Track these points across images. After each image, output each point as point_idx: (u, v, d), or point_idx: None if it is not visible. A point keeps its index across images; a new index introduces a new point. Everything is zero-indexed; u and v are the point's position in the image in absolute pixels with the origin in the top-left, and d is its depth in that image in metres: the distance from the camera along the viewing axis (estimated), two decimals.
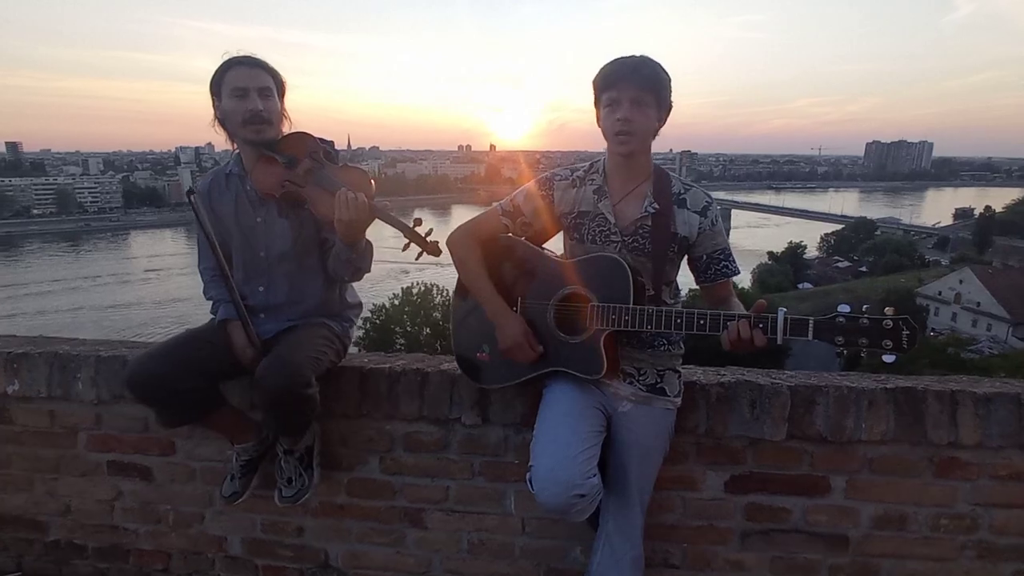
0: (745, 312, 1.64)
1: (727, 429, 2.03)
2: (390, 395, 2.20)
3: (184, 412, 1.95)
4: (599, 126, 1.81)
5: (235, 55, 1.95)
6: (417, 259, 1.91)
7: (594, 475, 1.69)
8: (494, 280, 1.92)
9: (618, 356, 1.82)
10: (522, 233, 1.94)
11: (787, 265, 63.51)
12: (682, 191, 1.84)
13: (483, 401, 2.13)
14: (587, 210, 1.86)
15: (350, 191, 1.83)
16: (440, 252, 1.88)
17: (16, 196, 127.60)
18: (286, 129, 2.07)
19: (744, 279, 53.52)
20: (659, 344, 1.86)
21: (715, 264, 1.86)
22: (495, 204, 1.97)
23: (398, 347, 31.51)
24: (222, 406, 2.03)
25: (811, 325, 1.58)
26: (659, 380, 1.87)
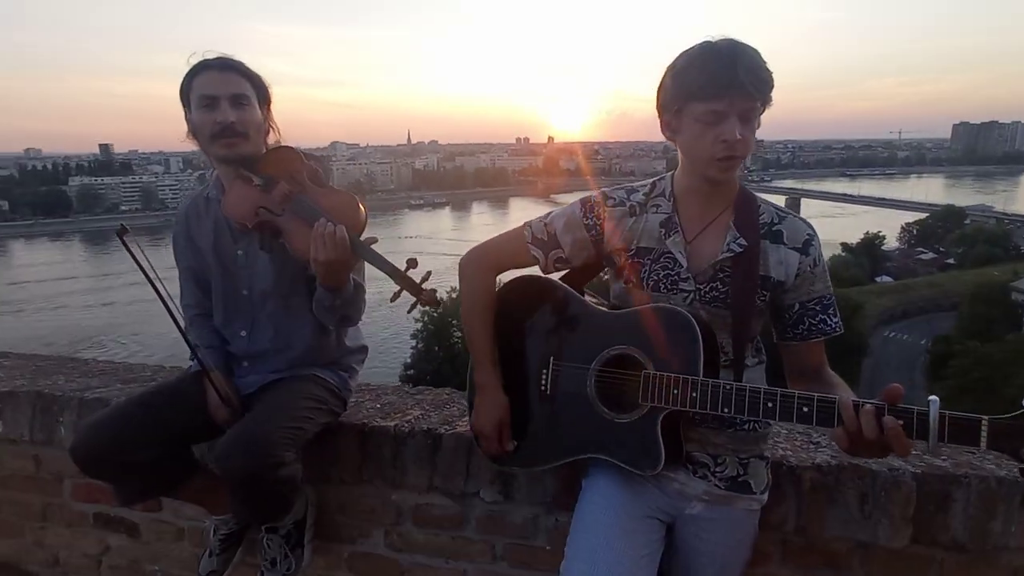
0: (872, 401, 1.13)
1: (825, 528, 1.54)
2: (395, 461, 1.82)
3: (145, 487, 1.63)
4: (668, 138, 1.35)
5: (205, 57, 1.59)
6: (410, 311, 1.51)
7: None
8: (515, 331, 1.49)
9: (684, 439, 1.36)
10: (554, 270, 1.50)
11: (863, 257, 59.64)
12: (775, 221, 1.36)
13: (505, 475, 1.72)
14: (650, 247, 1.39)
15: (330, 223, 1.44)
16: (439, 303, 1.47)
17: (107, 194, 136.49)
18: (275, 143, 1.72)
19: None
20: (744, 423, 1.39)
21: (810, 316, 1.37)
22: (525, 226, 1.51)
23: (455, 340, 31.37)
24: (194, 474, 1.70)
25: (984, 430, 1.03)
26: (742, 472, 1.39)
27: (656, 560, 1.34)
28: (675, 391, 1.25)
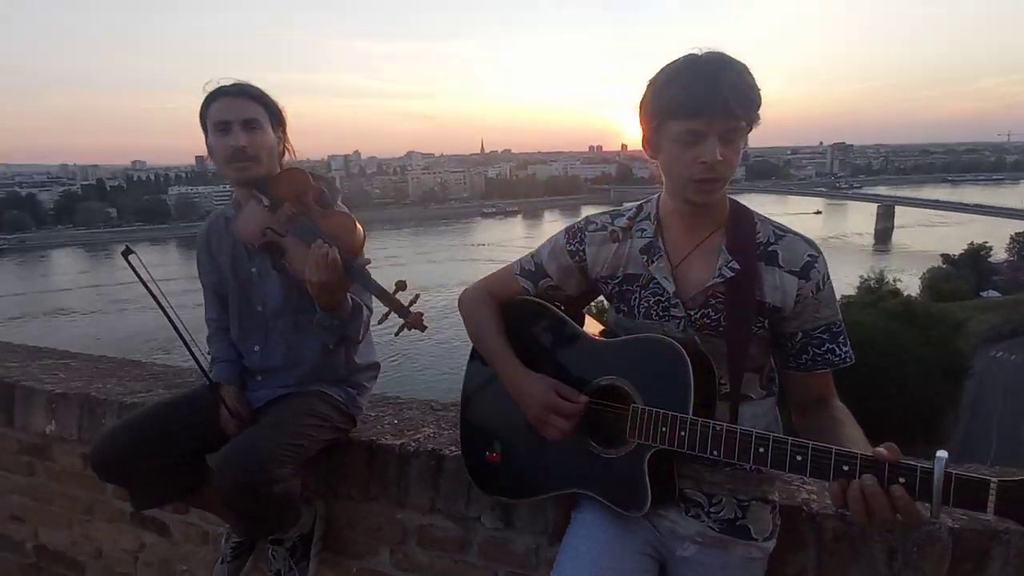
0: (874, 453, 1.00)
1: None
2: (400, 480, 1.81)
3: (159, 494, 1.70)
4: (650, 156, 1.27)
5: (220, 84, 1.65)
6: (397, 334, 1.49)
7: None
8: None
9: (678, 474, 1.27)
10: (550, 299, 1.45)
11: (967, 269, 55.11)
12: (771, 240, 1.26)
13: (506, 502, 1.67)
14: (637, 273, 1.33)
15: (326, 244, 1.46)
16: (425, 327, 1.46)
17: (201, 202, 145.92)
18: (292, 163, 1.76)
19: (912, 285, 47.16)
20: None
21: (815, 346, 1.26)
22: (510, 264, 1.49)
23: None
24: (205, 483, 1.75)
25: (993, 492, 0.90)
26: (740, 515, 1.28)
27: None
28: (663, 429, 1.18)
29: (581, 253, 1.37)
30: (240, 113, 1.62)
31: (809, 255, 1.24)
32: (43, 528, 2.58)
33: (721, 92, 1.11)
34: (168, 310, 1.49)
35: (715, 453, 1.12)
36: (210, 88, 1.64)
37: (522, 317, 1.44)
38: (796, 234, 1.27)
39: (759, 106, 1.17)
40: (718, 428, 1.12)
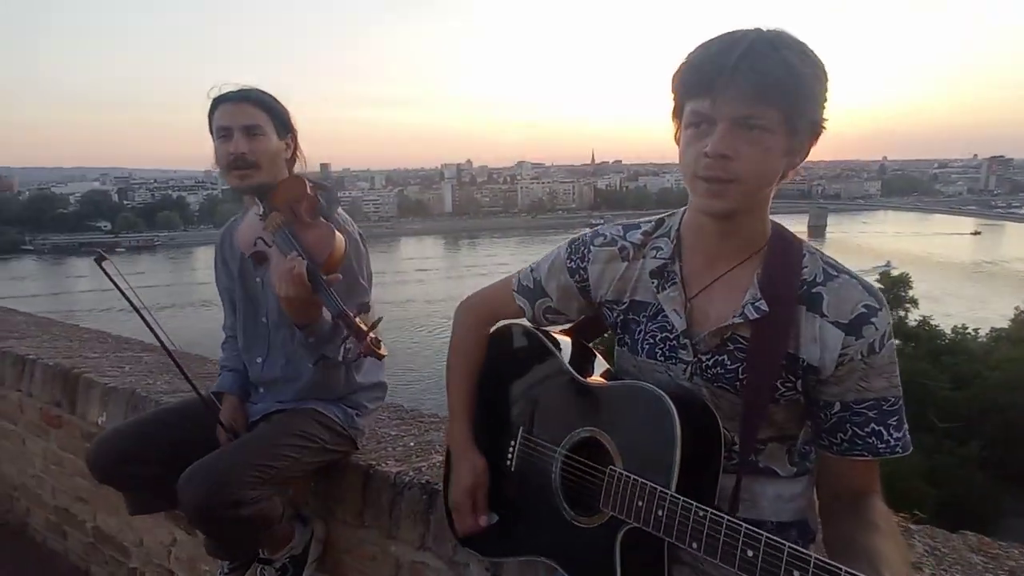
0: None
1: None
2: (392, 511, 1.70)
3: (151, 501, 1.69)
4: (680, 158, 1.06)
5: (224, 89, 1.63)
6: (343, 359, 1.38)
7: None
8: (492, 387, 1.30)
9: (671, 559, 1.03)
10: (550, 322, 1.27)
11: None
12: (819, 279, 1.00)
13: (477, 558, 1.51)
14: (646, 301, 1.11)
15: (300, 257, 1.38)
16: (382, 356, 1.34)
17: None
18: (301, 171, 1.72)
19: None
20: None
21: (856, 425, 0.99)
22: (517, 272, 1.31)
23: None
24: None
25: None
26: None
27: None
28: (639, 503, 0.96)
29: (582, 271, 1.17)
30: (241, 119, 1.59)
31: (865, 305, 0.96)
32: (100, 512, 2.71)
33: (729, 62, 0.88)
34: (148, 319, 1.47)
35: (694, 546, 0.89)
36: (214, 94, 1.62)
37: (508, 346, 1.29)
38: (854, 277, 0.99)
39: (809, 94, 0.92)
40: (701, 514, 0.89)
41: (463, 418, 1.29)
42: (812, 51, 0.93)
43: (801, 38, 0.93)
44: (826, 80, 0.94)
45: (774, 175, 0.96)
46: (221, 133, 1.60)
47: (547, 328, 1.29)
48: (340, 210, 1.69)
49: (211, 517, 1.41)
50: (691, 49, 0.96)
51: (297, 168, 1.75)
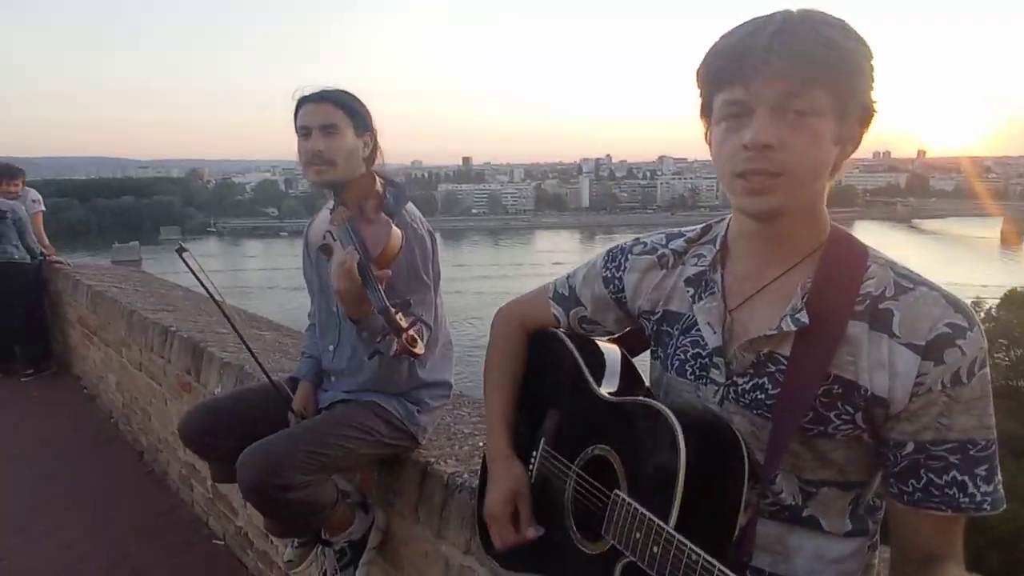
0: None
1: None
2: (443, 511, 1.69)
3: (231, 471, 1.81)
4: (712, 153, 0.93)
5: (306, 91, 1.70)
6: (371, 357, 1.38)
7: None
8: (525, 399, 1.24)
9: None
10: (587, 332, 1.19)
11: None
12: (889, 292, 0.84)
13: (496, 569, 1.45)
14: (680, 312, 1.00)
15: (354, 251, 1.40)
16: (417, 354, 1.32)
17: (463, 199, 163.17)
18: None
19: None
20: None
21: (933, 470, 0.82)
22: (551, 281, 1.24)
23: None
24: None
25: None
26: None
27: None
28: (638, 535, 0.86)
29: (618, 281, 1.09)
30: (319, 119, 1.65)
31: (949, 324, 0.79)
32: None
33: (760, 41, 0.77)
34: (224, 307, 1.57)
35: None
36: (298, 96, 1.69)
37: (543, 352, 1.22)
38: (936, 289, 0.82)
39: (859, 77, 0.79)
40: (693, 557, 0.77)
41: (499, 427, 1.23)
42: (853, 27, 0.79)
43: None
44: (872, 58, 0.80)
45: (825, 166, 0.82)
46: (302, 132, 1.68)
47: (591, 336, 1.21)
48: (411, 208, 1.71)
49: (262, 497, 1.49)
50: (720, 36, 0.84)
51: (377, 163, 1.79)
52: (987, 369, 0.81)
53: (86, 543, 2.90)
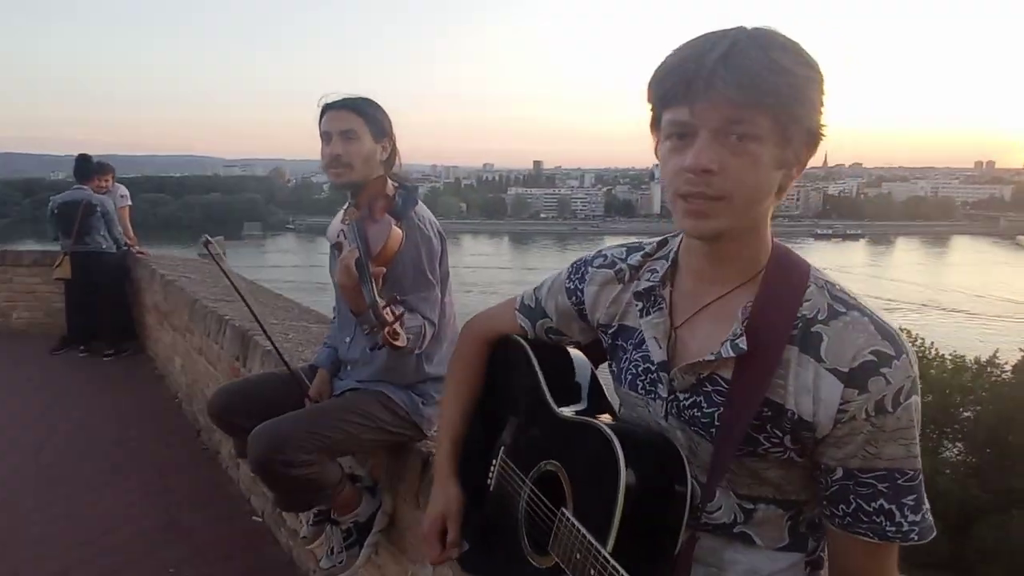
0: None
1: None
2: None
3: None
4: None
5: (330, 98, 1.83)
6: (377, 347, 1.46)
7: None
8: (487, 405, 1.27)
9: None
10: (554, 342, 1.21)
11: None
12: (821, 315, 0.84)
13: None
14: (631, 326, 1.03)
15: (354, 250, 1.51)
16: (397, 347, 1.42)
17: (532, 203, 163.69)
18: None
19: None
20: None
21: (861, 497, 0.82)
22: (519, 294, 1.26)
23: None
24: None
25: None
26: None
27: None
28: (578, 555, 0.88)
29: (579, 293, 1.10)
30: (339, 125, 1.77)
31: (874, 352, 0.79)
32: None
33: (712, 66, 0.76)
34: (248, 300, 1.72)
35: None
36: (322, 103, 1.82)
37: (508, 359, 1.24)
38: (867, 315, 0.82)
39: (804, 104, 0.79)
40: None
41: (446, 443, 1.27)
42: (806, 51, 0.79)
43: (794, 37, 0.80)
44: (823, 82, 0.80)
45: (766, 190, 0.83)
46: (323, 137, 1.80)
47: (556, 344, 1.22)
48: (420, 210, 1.80)
49: (267, 472, 1.62)
50: (668, 52, 0.85)
51: (396, 167, 1.89)
52: (915, 398, 0.80)
53: (144, 504, 3.20)
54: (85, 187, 5.65)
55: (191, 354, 4.29)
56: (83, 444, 3.95)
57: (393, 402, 1.82)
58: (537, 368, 1.16)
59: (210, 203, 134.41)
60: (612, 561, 0.81)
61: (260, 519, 3.09)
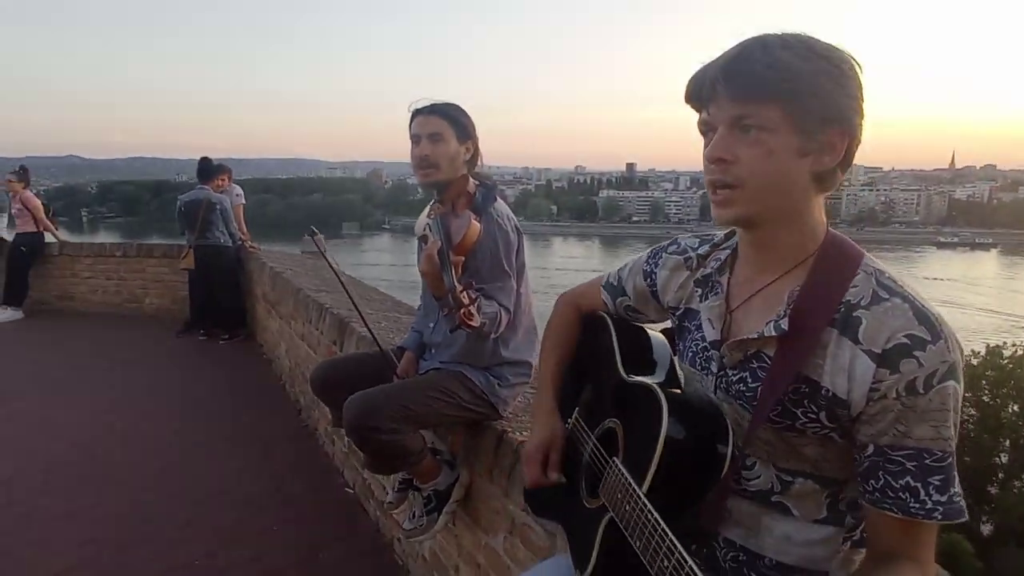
0: None
1: None
2: (511, 474, 1.91)
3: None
4: None
5: (419, 104, 2.00)
6: (453, 329, 1.59)
7: None
8: (570, 372, 1.40)
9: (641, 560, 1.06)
10: (632, 319, 1.32)
11: None
12: (864, 301, 0.89)
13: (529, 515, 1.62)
14: (695, 309, 1.13)
15: (437, 241, 1.67)
16: (472, 327, 1.55)
17: (625, 205, 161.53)
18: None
19: None
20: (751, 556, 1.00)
21: (890, 473, 0.87)
22: (607, 272, 1.39)
23: (965, 417, 25.14)
24: None
25: None
26: None
27: None
28: (619, 495, 1.00)
29: (653, 276, 1.23)
30: (427, 128, 1.94)
31: (908, 335, 0.83)
32: None
33: (709, 71, 0.90)
34: (348, 287, 1.94)
35: (637, 544, 0.91)
36: (412, 108, 2.00)
37: (591, 333, 1.39)
38: (909, 301, 0.86)
39: (815, 95, 0.86)
40: (650, 518, 0.89)
41: (547, 387, 1.39)
42: (828, 49, 0.87)
43: (827, 40, 0.88)
44: (840, 75, 0.87)
45: (787, 177, 0.90)
46: (413, 139, 1.98)
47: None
48: (499, 206, 1.95)
49: (358, 435, 1.82)
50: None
51: (478, 167, 2.05)
52: (952, 383, 0.83)
53: (251, 471, 3.56)
54: (206, 187, 6.26)
55: (294, 339, 4.68)
56: (201, 416, 4.43)
57: (471, 381, 1.98)
58: (615, 340, 1.28)
59: (313, 203, 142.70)
60: (644, 499, 0.92)
61: (352, 490, 3.36)
